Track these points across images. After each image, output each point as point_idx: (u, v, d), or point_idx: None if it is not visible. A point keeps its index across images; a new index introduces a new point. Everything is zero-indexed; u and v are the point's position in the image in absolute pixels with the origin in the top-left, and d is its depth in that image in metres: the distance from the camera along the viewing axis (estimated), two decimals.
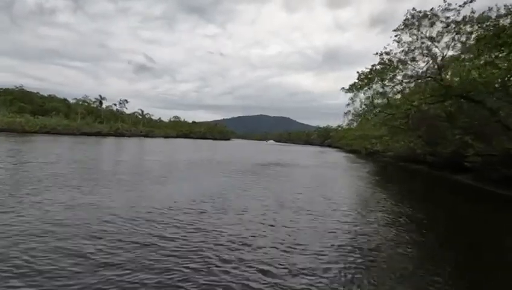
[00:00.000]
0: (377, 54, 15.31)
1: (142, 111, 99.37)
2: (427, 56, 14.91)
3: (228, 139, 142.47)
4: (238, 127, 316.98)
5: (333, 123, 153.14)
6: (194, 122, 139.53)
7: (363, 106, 17.05)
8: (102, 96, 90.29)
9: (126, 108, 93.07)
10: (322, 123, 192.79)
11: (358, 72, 16.24)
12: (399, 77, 15.06)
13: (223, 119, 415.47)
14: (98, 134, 66.55)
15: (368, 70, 15.50)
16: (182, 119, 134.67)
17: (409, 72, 14.87)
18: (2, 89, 66.25)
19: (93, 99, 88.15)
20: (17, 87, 67.45)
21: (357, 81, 16.23)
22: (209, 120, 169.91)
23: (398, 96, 16.71)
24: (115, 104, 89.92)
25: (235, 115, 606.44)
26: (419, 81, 14.94)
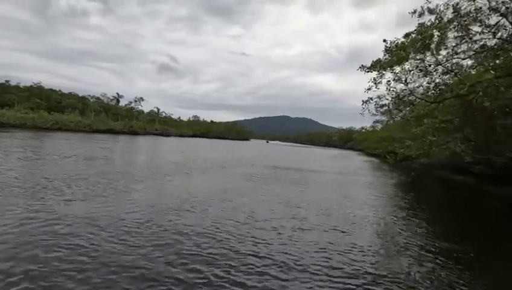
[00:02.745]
0: (414, 12, 10.64)
1: (158, 109, 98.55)
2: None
3: (247, 140, 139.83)
4: (258, 128, 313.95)
5: (356, 125, 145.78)
6: (212, 121, 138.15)
7: (392, 92, 12.12)
8: (120, 94, 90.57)
9: (141, 106, 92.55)
10: (344, 125, 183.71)
11: (385, 40, 11.68)
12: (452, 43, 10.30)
13: (244, 119, 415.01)
14: (111, 131, 65.70)
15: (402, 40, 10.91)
16: (202, 119, 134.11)
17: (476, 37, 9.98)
18: (21, 86, 67.37)
19: (111, 97, 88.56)
20: (35, 84, 68.29)
21: (384, 55, 11.66)
22: (230, 120, 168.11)
23: (446, 77, 11.89)
24: (131, 102, 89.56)
25: (257, 116, 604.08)
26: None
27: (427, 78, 12.13)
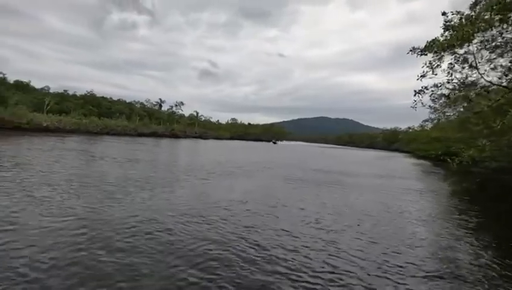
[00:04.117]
0: None
1: (197, 113, 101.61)
2: None
3: (285, 141, 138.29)
4: (297, 129, 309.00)
5: (402, 124, 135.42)
6: (249, 124, 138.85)
7: (455, 78, 9.72)
8: (162, 99, 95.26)
9: (182, 110, 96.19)
10: (388, 125, 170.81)
11: (445, 13, 9.36)
12: None
13: (282, 121, 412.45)
14: (154, 134, 69.04)
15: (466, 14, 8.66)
16: (239, 122, 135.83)
17: None
18: (77, 94, 74.04)
19: (154, 103, 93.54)
20: (88, 93, 74.54)
21: (443, 34, 9.39)
22: (267, 122, 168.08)
23: None
24: (172, 107, 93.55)
25: (295, 117, 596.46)
26: None
27: (508, 57, 9.55)
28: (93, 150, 24.44)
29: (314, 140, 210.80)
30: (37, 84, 71.25)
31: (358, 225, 7.97)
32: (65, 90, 72.38)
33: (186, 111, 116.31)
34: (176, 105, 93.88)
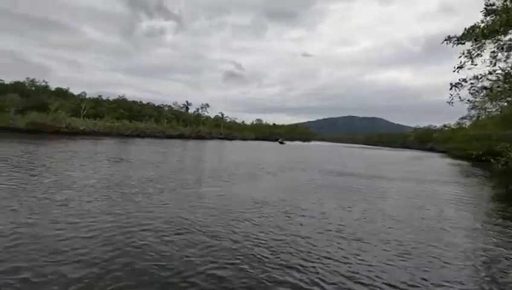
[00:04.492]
0: None
1: (222, 114, 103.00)
2: None
3: (309, 141, 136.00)
4: (323, 130, 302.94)
5: (436, 122, 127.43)
6: (274, 124, 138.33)
7: (499, 69, 8.59)
8: (189, 102, 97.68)
9: (207, 112, 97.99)
10: (421, 123, 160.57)
11: None
12: None
13: (308, 121, 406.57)
14: (181, 136, 70.95)
15: None
16: (264, 122, 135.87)
17: None
18: (110, 99, 78.17)
19: (181, 105, 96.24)
20: (120, 97, 78.41)
21: (484, 19, 8.34)
22: (293, 123, 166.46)
23: None
24: (198, 109, 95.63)
25: (320, 117, 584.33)
26: None
27: None
28: (126, 152, 25.47)
29: (341, 140, 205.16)
30: (75, 90, 76.33)
31: (388, 234, 7.33)
32: (99, 96, 76.73)
33: (211, 113, 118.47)
34: (202, 107, 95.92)
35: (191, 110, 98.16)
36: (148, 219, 7.20)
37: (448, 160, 47.62)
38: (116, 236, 5.97)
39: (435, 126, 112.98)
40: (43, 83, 66.05)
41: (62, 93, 67.68)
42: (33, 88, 62.97)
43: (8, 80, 61.62)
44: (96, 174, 13.00)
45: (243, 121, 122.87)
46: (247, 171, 17.53)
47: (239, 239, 6.25)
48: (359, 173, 20.16)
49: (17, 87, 59.02)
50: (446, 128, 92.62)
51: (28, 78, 64.50)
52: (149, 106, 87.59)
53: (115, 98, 78.86)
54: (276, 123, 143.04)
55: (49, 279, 4.25)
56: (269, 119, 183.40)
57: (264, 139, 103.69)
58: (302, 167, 22.15)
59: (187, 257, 5.26)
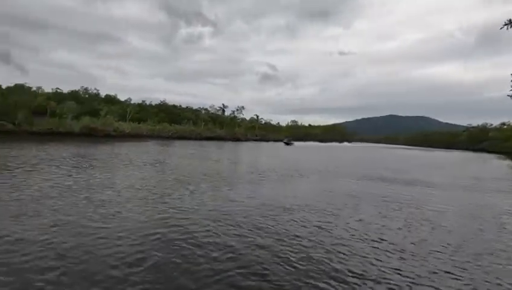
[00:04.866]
0: None
1: (257, 116, 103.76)
2: None
3: (348, 142, 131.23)
4: (362, 130, 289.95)
5: (493, 121, 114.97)
6: (310, 125, 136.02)
7: None
8: (225, 104, 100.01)
9: (243, 114, 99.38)
10: (475, 121, 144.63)
11: None
12: None
13: (345, 121, 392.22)
14: (217, 138, 72.90)
15: None
16: (300, 123, 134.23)
17: None
18: (153, 104, 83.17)
19: (218, 108, 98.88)
20: (161, 102, 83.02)
21: None
22: (330, 123, 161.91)
23: None
24: (234, 111, 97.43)
25: (359, 117, 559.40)
26: None
27: None
28: (166, 153, 26.83)
29: (382, 141, 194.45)
30: (122, 96, 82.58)
31: (435, 246, 6.64)
32: (143, 101, 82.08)
33: (247, 115, 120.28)
34: (237, 109, 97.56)
35: (227, 113, 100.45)
36: (194, 216, 7.40)
37: (509, 161, 42.49)
38: (163, 234, 6.18)
39: (491, 124, 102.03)
40: (95, 91, 72.55)
41: (111, 100, 73.58)
42: (86, 96, 69.42)
43: (66, 89, 68.91)
44: (142, 173, 13.77)
45: (278, 123, 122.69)
46: (282, 174, 17.30)
47: (272, 244, 6.08)
48: (399, 178, 18.78)
49: (74, 96, 65.52)
50: (505, 126, 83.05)
51: (82, 86, 71.47)
52: (187, 109, 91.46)
53: (157, 102, 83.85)
54: (312, 124, 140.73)
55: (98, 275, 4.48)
56: (305, 120, 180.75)
57: (300, 140, 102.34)
58: (338, 171, 21.30)
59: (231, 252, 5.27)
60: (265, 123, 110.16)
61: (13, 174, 11.99)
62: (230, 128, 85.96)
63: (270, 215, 8.17)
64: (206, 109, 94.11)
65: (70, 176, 12.38)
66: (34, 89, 61.35)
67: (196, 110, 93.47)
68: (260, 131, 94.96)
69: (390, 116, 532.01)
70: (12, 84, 56.15)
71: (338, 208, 9.46)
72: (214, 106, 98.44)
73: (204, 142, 55.53)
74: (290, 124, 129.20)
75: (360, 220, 8.24)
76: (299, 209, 9.01)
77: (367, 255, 5.72)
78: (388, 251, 5.99)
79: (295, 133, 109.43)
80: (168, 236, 6.22)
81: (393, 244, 6.44)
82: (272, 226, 7.29)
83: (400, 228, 7.66)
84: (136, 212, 7.79)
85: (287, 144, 68.51)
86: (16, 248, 5.23)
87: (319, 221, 7.93)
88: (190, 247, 5.73)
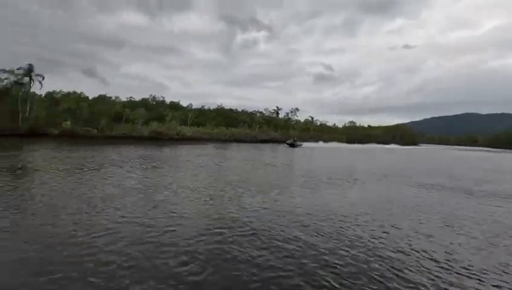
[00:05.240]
0: None
1: (312, 118, 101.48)
2: None
3: (414, 145, 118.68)
4: (432, 130, 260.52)
5: None
6: (369, 126, 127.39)
7: None
8: (279, 107, 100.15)
9: (297, 116, 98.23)
10: None
11: None
12: None
13: (411, 121, 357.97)
14: (272, 140, 73.31)
15: None
16: (358, 124, 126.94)
17: None
18: (211, 109, 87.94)
19: (272, 111, 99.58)
20: (219, 107, 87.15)
21: None
22: (393, 123, 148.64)
23: None
24: (288, 114, 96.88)
25: (428, 116, 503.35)
26: None
27: None
28: (223, 155, 27.97)
29: (456, 142, 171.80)
30: (184, 102, 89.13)
31: None
32: (202, 106, 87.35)
33: (302, 116, 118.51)
34: (291, 111, 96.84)
35: (281, 115, 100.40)
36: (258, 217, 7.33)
37: None
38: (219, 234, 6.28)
39: None
40: (161, 98, 79.95)
41: (174, 106, 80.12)
42: (154, 103, 76.96)
43: (138, 97, 77.53)
44: (201, 174, 14.49)
45: (334, 124, 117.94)
46: (340, 177, 16.41)
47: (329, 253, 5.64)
48: (476, 189, 16.10)
49: (144, 103, 73.27)
50: None
51: (151, 95, 79.54)
52: (243, 113, 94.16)
53: (215, 107, 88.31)
54: (373, 125, 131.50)
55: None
56: (364, 120, 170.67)
57: (359, 142, 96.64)
58: (400, 177, 19.32)
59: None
60: (320, 124, 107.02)
61: (92, 172, 13.78)
62: (285, 130, 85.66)
63: (325, 221, 7.68)
64: (260, 112, 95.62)
65: (134, 175, 13.71)
66: (113, 98, 70.37)
67: (251, 113, 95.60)
68: (315, 133, 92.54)
69: (466, 114, 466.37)
70: (96, 95, 65.41)
71: (401, 218, 8.44)
72: (268, 108, 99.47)
73: (260, 145, 56.38)
74: (347, 124, 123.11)
75: (428, 235, 7.20)
76: (355, 217, 8.30)
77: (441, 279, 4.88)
78: (461, 274, 5.03)
79: (354, 135, 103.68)
80: (226, 235, 6.27)
81: (468, 267, 5.39)
82: (331, 233, 6.82)
83: (478, 248, 6.43)
84: (197, 211, 8.09)
85: (291, 145, 54.61)
86: (84, 240, 5.83)
87: (377, 234, 7.15)
88: (246, 249, 5.65)
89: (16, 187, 10.02)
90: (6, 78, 46.51)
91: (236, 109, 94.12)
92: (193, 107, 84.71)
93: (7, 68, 46.12)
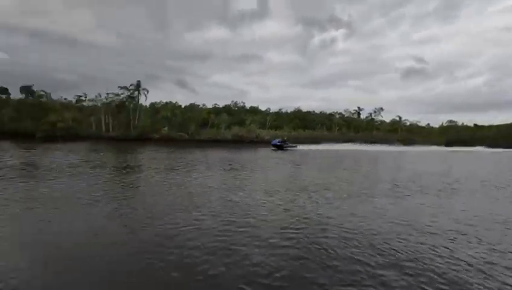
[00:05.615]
0: None
1: (400, 117, 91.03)
2: None
3: None
4: None
5: None
6: (476, 125, 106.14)
7: None
8: (361, 107, 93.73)
9: (381, 116, 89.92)
10: None
11: None
12: None
13: None
14: (352, 142, 69.10)
15: None
16: (460, 123, 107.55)
17: None
18: (288, 112, 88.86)
19: (353, 111, 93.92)
20: (296, 109, 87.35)
21: None
22: (508, 121, 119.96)
23: None
24: (371, 114, 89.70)
25: None
26: None
27: None
28: (300, 158, 28.06)
29: None
30: (262, 107, 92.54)
31: None
32: (280, 109, 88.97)
33: (387, 117, 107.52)
34: (375, 111, 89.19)
35: (363, 116, 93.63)
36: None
37: None
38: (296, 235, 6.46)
39: None
40: (242, 104, 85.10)
41: (254, 111, 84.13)
42: (236, 108, 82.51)
43: (221, 104, 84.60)
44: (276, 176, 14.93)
45: (428, 124, 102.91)
46: (426, 185, 14.41)
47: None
48: None
49: (226, 109, 79.41)
50: None
51: (233, 101, 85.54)
52: (321, 114, 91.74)
53: (292, 110, 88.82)
54: (480, 124, 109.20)
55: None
56: (469, 119, 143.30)
57: (464, 143, 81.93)
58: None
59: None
60: (410, 125, 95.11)
61: (182, 172, 15.81)
62: (367, 132, 79.58)
63: (406, 235, 6.91)
64: (340, 113, 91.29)
65: (214, 176, 15.03)
66: (201, 106, 78.61)
67: (330, 114, 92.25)
68: (405, 133, 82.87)
69: None
70: (188, 104, 74.30)
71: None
72: (348, 109, 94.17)
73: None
74: (445, 124, 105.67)
75: None
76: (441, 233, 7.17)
77: None
78: None
79: (454, 136, 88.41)
80: (301, 240, 6.36)
81: None
82: (411, 249, 6.14)
83: None
84: (274, 213, 8.42)
85: (279, 147, 42.76)
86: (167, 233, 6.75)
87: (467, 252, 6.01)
88: (322, 253, 5.62)
89: (122, 181, 12.49)
90: (122, 94, 57.58)
91: (313, 111, 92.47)
92: (271, 111, 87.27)
93: (122, 85, 57.36)
